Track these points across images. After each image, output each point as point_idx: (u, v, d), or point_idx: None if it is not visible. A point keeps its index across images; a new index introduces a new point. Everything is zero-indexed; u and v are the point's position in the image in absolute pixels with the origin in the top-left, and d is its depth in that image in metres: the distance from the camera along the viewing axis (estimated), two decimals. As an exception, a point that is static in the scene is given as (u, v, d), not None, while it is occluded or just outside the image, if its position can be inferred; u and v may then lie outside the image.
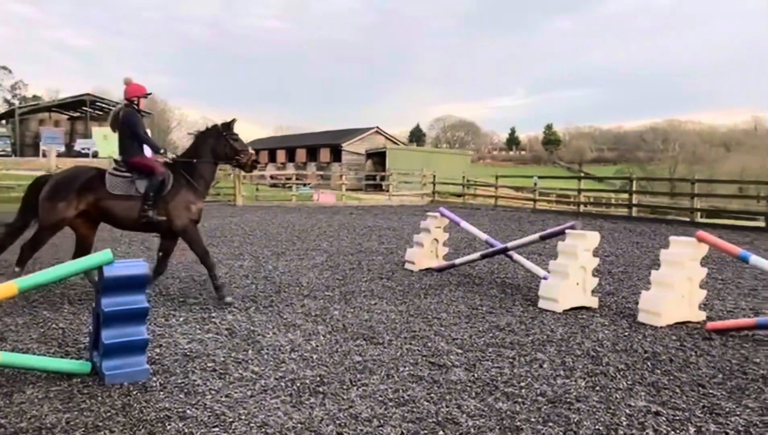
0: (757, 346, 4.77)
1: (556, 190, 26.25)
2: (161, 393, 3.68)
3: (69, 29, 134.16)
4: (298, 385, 3.85)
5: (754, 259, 5.09)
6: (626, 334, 5.13)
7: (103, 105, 57.66)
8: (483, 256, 7.53)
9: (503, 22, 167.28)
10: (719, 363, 4.35)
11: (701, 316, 5.58)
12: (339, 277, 7.61)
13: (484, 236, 7.71)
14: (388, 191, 25.19)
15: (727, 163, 75.71)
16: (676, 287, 5.39)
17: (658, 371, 4.16)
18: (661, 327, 5.32)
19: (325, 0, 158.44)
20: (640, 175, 71.79)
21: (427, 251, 8.24)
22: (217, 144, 6.70)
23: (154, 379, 3.91)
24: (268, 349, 4.59)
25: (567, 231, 6.19)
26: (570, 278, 5.92)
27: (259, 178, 28.22)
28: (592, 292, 6.22)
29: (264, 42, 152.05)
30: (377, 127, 42.48)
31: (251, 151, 6.99)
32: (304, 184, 27.32)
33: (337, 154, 41.29)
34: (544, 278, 6.27)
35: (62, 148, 50.65)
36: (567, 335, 5.06)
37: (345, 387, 3.82)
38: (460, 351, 4.57)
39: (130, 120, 6.43)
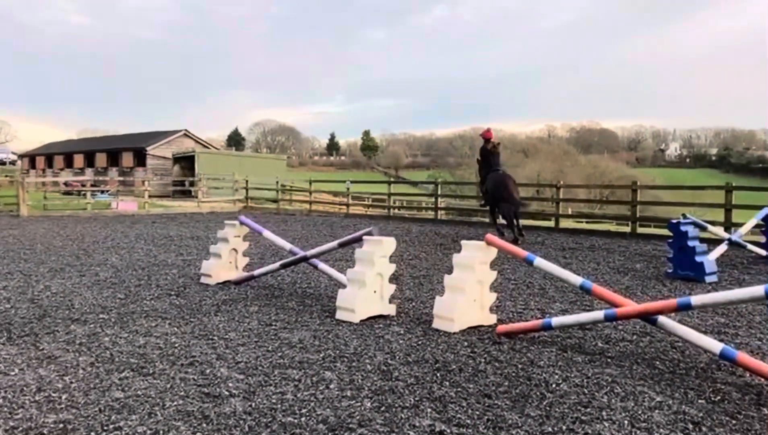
0: (542, 348, 4.84)
1: (370, 195, 26.64)
2: None
3: None
4: (33, 436, 3.17)
5: (538, 261, 5.19)
6: (420, 342, 4.99)
7: None
8: (283, 266, 7.13)
9: (320, 28, 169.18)
10: (506, 369, 4.32)
11: (492, 319, 5.62)
12: (121, 296, 6.80)
13: (288, 246, 7.30)
14: (197, 198, 23.95)
15: (527, 169, 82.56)
16: (468, 291, 5.36)
17: (447, 383, 4.02)
18: (454, 333, 5.26)
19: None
20: (450, 179, 75.63)
21: (225, 263, 7.67)
22: None
23: None
24: (6, 391, 3.81)
25: (364, 237, 5.98)
26: (367, 287, 5.70)
27: (53, 184, 25.53)
28: (390, 299, 6.07)
29: (65, 38, 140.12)
30: (185, 130, 40.26)
31: None
32: (102, 191, 25.13)
33: (141, 159, 38.52)
34: (343, 287, 6.01)
35: None
36: (360, 348, 4.80)
37: (93, 433, 3.21)
38: (241, 377, 4.12)
39: (493, 152, 12.55)
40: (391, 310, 5.94)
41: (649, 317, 4.50)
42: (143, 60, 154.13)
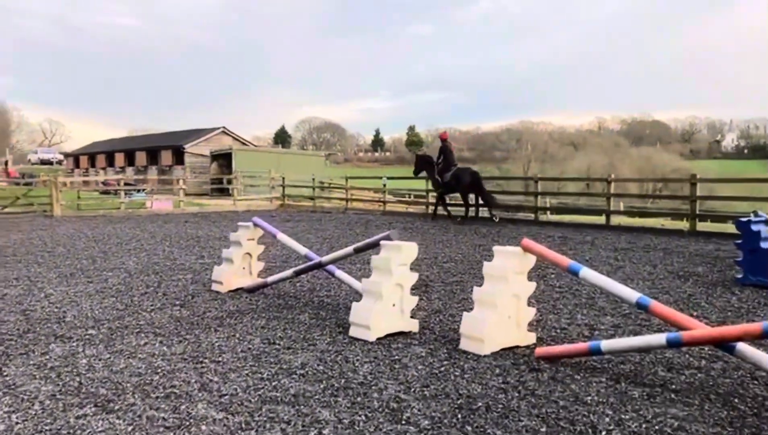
0: (589, 377, 4.00)
1: (408, 191, 25.85)
2: None
3: None
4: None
5: (584, 272, 4.34)
6: (443, 368, 4.21)
7: None
8: (297, 273, 6.44)
9: (364, 24, 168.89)
10: (544, 407, 3.50)
11: (530, 338, 4.80)
12: (120, 307, 6.21)
13: (303, 251, 6.59)
14: (233, 195, 23.54)
15: (576, 162, 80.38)
16: (500, 306, 4.56)
17: (470, 428, 3.23)
18: (484, 356, 4.46)
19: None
20: (495, 173, 73.94)
21: (238, 268, 7.03)
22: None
23: None
24: (-60, 435, 3.19)
25: (381, 243, 5.22)
26: (384, 299, 4.95)
27: (93, 184, 25.53)
28: (414, 312, 5.31)
29: (116, 40, 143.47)
30: (223, 128, 40.07)
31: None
32: (138, 190, 24.97)
33: (179, 157, 38.56)
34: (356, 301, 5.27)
35: None
36: (370, 377, 4.05)
37: (15, 501, 2.55)
38: (220, 416, 3.41)
39: (451, 151, 15.50)
40: (413, 326, 5.18)
41: (725, 345, 3.62)
42: (191, 60, 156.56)
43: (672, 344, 3.76)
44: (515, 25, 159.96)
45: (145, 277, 7.96)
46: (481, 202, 15.59)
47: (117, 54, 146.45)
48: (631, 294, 4.12)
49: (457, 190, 15.42)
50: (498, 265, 4.71)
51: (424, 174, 16.34)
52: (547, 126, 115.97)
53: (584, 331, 5.19)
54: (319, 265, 6.11)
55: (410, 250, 5.12)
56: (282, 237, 6.75)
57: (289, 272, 6.49)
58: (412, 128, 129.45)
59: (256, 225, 7.03)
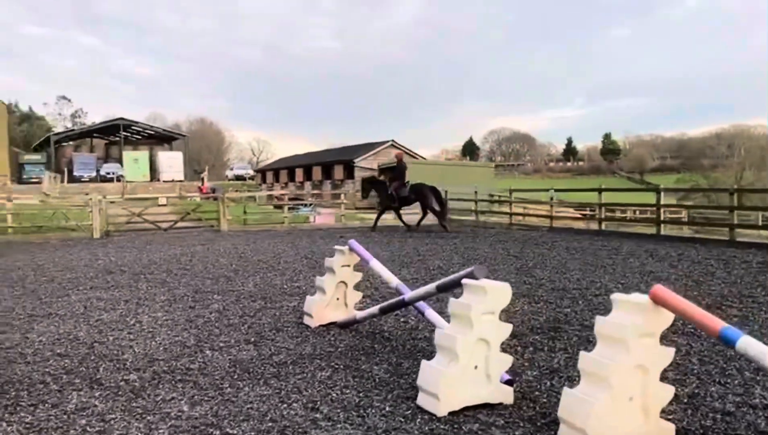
0: None
1: (580, 205, 23.50)
2: None
3: (130, 58, 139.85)
4: None
5: (745, 342, 2.75)
6: (515, 478, 2.87)
7: (138, 129, 57.60)
8: (382, 311, 5.33)
9: (556, 31, 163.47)
10: None
11: (667, 431, 3.26)
12: (191, 342, 5.52)
13: (394, 282, 5.47)
14: (393, 210, 22.98)
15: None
16: (616, 384, 3.10)
17: None
18: (587, 459, 3.03)
19: (379, 17, 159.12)
20: (702, 183, 66.70)
21: (330, 299, 6.10)
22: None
23: None
24: None
25: (463, 281, 3.96)
26: (461, 359, 3.69)
27: (267, 198, 26.44)
28: (514, 377, 3.98)
29: (320, 61, 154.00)
30: (392, 141, 40.22)
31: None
32: (305, 205, 25.33)
33: (350, 171, 39.29)
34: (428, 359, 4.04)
35: (93, 173, 50.72)
36: (403, 484, 2.83)
37: None
38: None
39: (405, 168, 18.31)
40: (504, 396, 3.84)
41: None
42: (385, 76, 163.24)
43: None
44: (728, 20, 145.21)
45: (249, 302, 7.34)
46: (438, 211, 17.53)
47: (319, 74, 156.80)
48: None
49: (418, 201, 17.64)
50: (616, 321, 3.25)
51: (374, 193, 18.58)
52: (766, 129, 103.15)
53: (759, 422, 3.50)
54: (404, 303, 4.95)
55: (500, 292, 3.79)
56: (375, 264, 5.69)
57: (375, 309, 5.41)
58: (607, 136, 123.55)
59: (351, 249, 6.06)
